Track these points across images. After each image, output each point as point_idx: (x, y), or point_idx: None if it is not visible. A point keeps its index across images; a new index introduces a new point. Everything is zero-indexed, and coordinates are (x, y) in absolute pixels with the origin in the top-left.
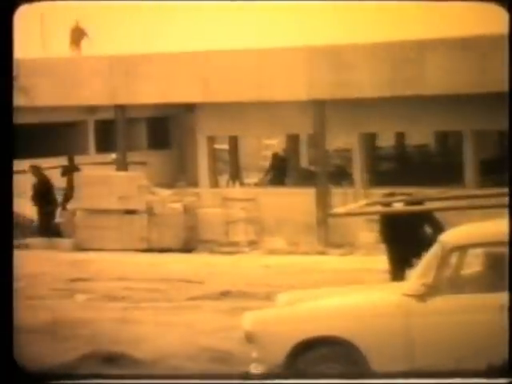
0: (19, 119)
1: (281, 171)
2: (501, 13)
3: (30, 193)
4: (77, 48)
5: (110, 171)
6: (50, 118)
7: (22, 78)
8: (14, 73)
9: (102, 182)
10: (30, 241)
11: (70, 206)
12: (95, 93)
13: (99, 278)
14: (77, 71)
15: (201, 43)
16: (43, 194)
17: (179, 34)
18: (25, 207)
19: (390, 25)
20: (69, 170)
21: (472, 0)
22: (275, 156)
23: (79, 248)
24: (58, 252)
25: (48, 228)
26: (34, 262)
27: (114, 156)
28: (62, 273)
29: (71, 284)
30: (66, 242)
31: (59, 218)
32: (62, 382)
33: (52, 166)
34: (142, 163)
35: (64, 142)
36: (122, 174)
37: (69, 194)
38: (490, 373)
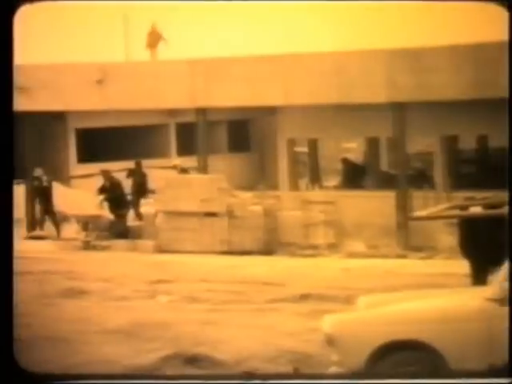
0: (100, 123)
1: (353, 175)
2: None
3: (99, 195)
4: (154, 52)
5: (192, 174)
6: (132, 121)
7: (106, 82)
8: (99, 77)
9: (184, 184)
10: (111, 243)
11: (151, 208)
12: (176, 96)
13: (181, 279)
14: (158, 75)
15: (282, 46)
16: (116, 198)
17: (260, 36)
18: (102, 210)
19: (471, 26)
20: (134, 173)
21: (472, 0)
22: (345, 161)
23: (161, 250)
24: (140, 254)
25: (124, 230)
26: (116, 263)
27: (176, 161)
28: (144, 274)
29: (153, 285)
30: (147, 243)
31: (134, 220)
32: (62, 382)
33: (119, 169)
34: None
35: (146, 146)
36: (203, 176)
37: (135, 196)
38: (490, 373)
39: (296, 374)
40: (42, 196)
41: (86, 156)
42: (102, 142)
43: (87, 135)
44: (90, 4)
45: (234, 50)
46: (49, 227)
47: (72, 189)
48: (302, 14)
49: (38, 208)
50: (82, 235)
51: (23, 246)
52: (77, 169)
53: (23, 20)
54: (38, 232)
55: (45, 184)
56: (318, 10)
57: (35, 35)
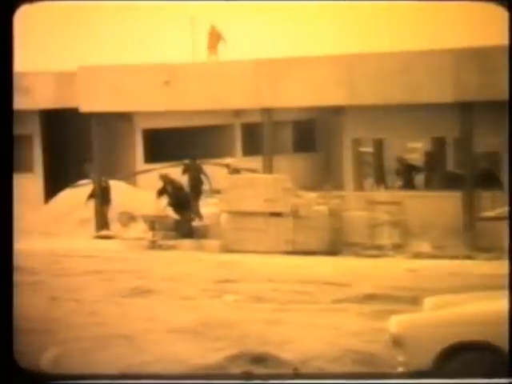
0: (167, 123)
1: (409, 175)
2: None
3: (159, 197)
4: (214, 52)
5: (256, 174)
6: (198, 122)
7: (173, 83)
8: (166, 78)
9: (248, 184)
10: (177, 242)
11: (216, 208)
12: (242, 96)
13: (246, 279)
14: (224, 75)
15: (347, 45)
16: (179, 199)
17: (324, 36)
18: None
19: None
20: (189, 169)
21: (472, 0)
22: (400, 160)
23: (226, 250)
24: (206, 253)
25: (189, 230)
26: (182, 263)
27: (229, 161)
28: (210, 274)
29: (219, 285)
30: (213, 243)
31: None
32: (61, 381)
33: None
34: (253, 170)
35: (211, 146)
36: (267, 176)
37: (193, 194)
38: (490, 373)
39: (296, 374)
40: (106, 196)
41: (152, 156)
42: (169, 142)
43: (154, 135)
44: (91, 4)
45: (299, 49)
46: (116, 227)
47: (139, 189)
48: (370, 14)
49: (106, 208)
50: (148, 235)
51: (92, 245)
52: (143, 167)
53: (23, 20)
54: (106, 231)
55: (105, 185)
56: (381, 10)
57: (35, 35)
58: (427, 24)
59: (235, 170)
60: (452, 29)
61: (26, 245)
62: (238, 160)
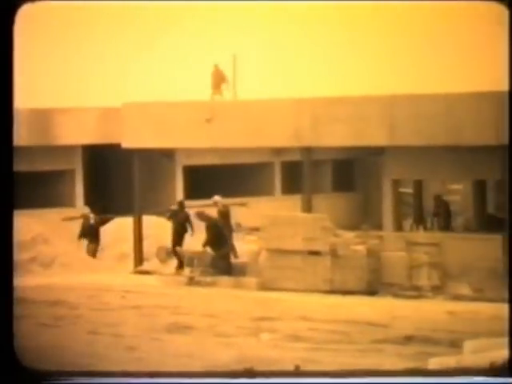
0: (207, 160)
1: (448, 217)
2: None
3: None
4: (218, 92)
5: (296, 212)
6: (238, 159)
7: (214, 120)
8: (208, 116)
9: (288, 222)
10: (215, 279)
11: (255, 245)
12: (282, 135)
13: (283, 317)
14: (264, 113)
15: (388, 86)
16: (217, 236)
17: (363, 76)
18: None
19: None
20: (176, 214)
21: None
22: (440, 201)
23: (264, 287)
24: (244, 291)
25: (228, 267)
26: (220, 299)
27: (217, 198)
28: (247, 311)
29: (256, 323)
30: (251, 281)
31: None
32: (61, 379)
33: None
34: (242, 204)
35: (251, 184)
36: (306, 215)
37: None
38: (490, 372)
39: (297, 372)
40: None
41: (192, 193)
42: (209, 179)
43: (194, 172)
44: (92, 4)
45: (340, 89)
46: (154, 262)
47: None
48: (410, 55)
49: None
50: (186, 271)
51: (130, 280)
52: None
53: (24, 20)
54: (144, 267)
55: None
56: (427, 50)
57: (35, 35)
58: (427, 24)
59: (224, 209)
60: (452, 29)
61: (66, 279)
62: (226, 199)
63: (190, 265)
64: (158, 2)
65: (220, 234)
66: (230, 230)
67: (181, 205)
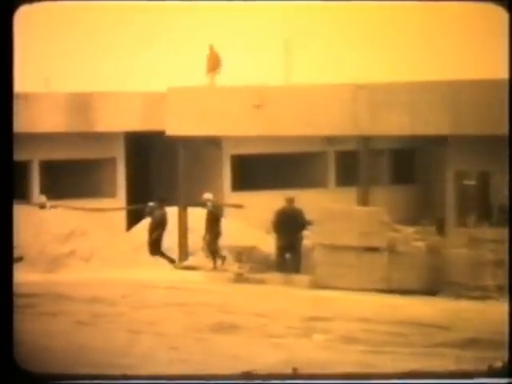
0: (256, 149)
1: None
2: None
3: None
4: (213, 76)
5: (351, 206)
6: (289, 148)
7: (264, 107)
8: (257, 102)
9: (343, 216)
10: (264, 276)
11: (308, 240)
12: (337, 122)
13: (338, 317)
14: (319, 99)
15: (448, 72)
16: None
17: (425, 61)
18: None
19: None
20: (152, 212)
21: (472, 0)
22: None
23: (317, 285)
24: (295, 288)
25: (285, 263)
26: (269, 298)
27: (207, 196)
28: (299, 310)
29: (309, 323)
30: (303, 278)
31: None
32: (62, 382)
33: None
34: (238, 206)
35: (303, 174)
36: (362, 208)
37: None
38: (490, 373)
39: (295, 374)
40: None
41: (240, 184)
42: (258, 169)
43: (242, 162)
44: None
45: (400, 74)
46: (199, 257)
47: (225, 218)
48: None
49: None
50: (234, 267)
51: (174, 276)
52: (231, 197)
53: (23, 20)
54: (189, 262)
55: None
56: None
57: (35, 35)
58: (427, 25)
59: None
60: (452, 29)
61: (106, 274)
62: (226, 195)
63: (238, 260)
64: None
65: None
66: (217, 235)
67: (161, 201)
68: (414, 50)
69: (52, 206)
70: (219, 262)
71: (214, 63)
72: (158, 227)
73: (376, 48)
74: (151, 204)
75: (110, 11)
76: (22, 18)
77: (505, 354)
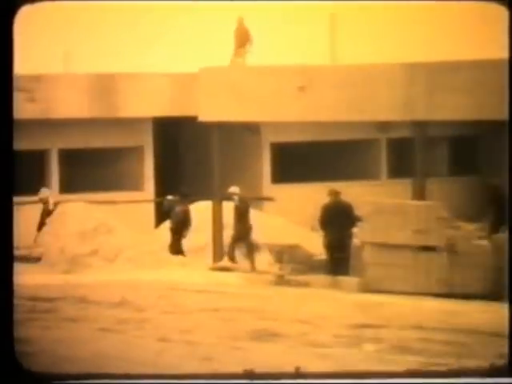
0: (299, 136)
1: None
2: None
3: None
4: (241, 54)
5: (405, 200)
6: (336, 135)
7: (308, 89)
8: (301, 83)
9: (396, 211)
10: (308, 278)
11: (356, 238)
12: (389, 107)
13: (390, 325)
14: (369, 80)
15: None
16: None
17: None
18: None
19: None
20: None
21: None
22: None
23: (367, 288)
24: (342, 292)
25: (332, 264)
26: (313, 302)
27: (234, 189)
28: (346, 317)
29: (357, 330)
30: (351, 280)
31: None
32: (64, 382)
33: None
34: (269, 199)
35: (351, 164)
36: (418, 203)
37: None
38: (490, 372)
39: (297, 374)
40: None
41: (281, 175)
42: (301, 159)
43: (284, 151)
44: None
45: (460, 53)
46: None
47: (265, 213)
48: None
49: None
50: (275, 268)
51: (207, 277)
52: (271, 190)
53: (23, 20)
54: (225, 262)
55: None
56: None
57: (36, 36)
58: (426, 24)
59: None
60: (452, 29)
61: (132, 276)
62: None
63: (279, 260)
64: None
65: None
66: (247, 230)
67: (184, 195)
68: None
69: (56, 203)
70: (248, 263)
71: (243, 39)
72: (178, 225)
73: (433, 24)
74: (170, 198)
75: (110, 11)
76: (23, 18)
77: None
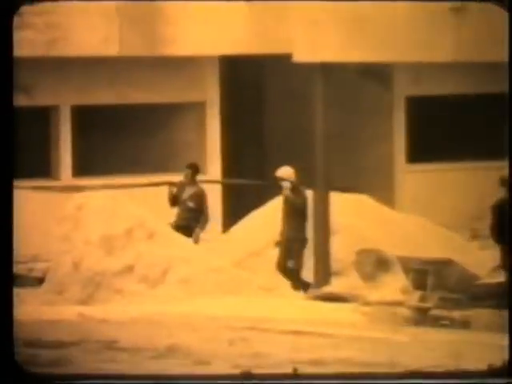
0: (451, 87)
1: None
2: None
3: None
4: None
5: None
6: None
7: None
8: (456, 3)
9: None
10: (470, 314)
11: None
12: None
13: None
14: None
15: None
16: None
17: None
18: None
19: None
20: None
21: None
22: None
23: None
24: None
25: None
26: (477, 354)
27: (284, 171)
28: None
29: None
30: None
31: None
32: (65, 382)
33: None
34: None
35: None
36: None
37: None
38: (490, 373)
39: (295, 375)
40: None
41: (421, 150)
42: (452, 123)
43: (425, 109)
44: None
45: None
46: (351, 279)
47: (395, 211)
48: None
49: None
50: (413, 296)
51: (307, 311)
52: (405, 172)
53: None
54: (332, 287)
55: None
56: None
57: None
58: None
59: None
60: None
61: (188, 307)
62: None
63: (420, 285)
64: None
65: None
66: (299, 238)
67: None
68: None
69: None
70: (300, 290)
71: None
72: (192, 214)
73: None
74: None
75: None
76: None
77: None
